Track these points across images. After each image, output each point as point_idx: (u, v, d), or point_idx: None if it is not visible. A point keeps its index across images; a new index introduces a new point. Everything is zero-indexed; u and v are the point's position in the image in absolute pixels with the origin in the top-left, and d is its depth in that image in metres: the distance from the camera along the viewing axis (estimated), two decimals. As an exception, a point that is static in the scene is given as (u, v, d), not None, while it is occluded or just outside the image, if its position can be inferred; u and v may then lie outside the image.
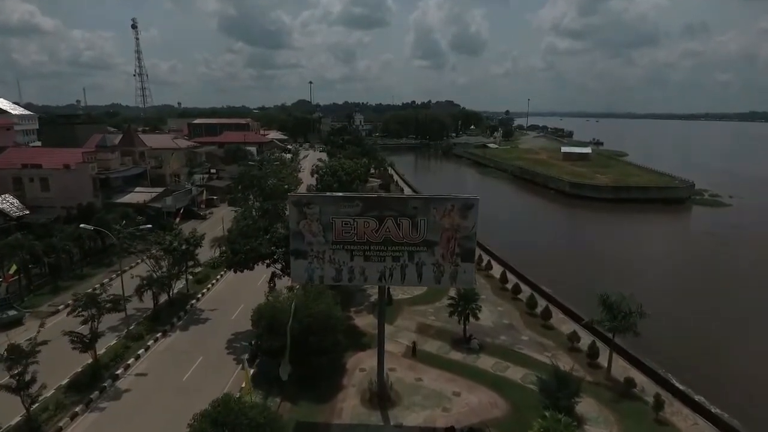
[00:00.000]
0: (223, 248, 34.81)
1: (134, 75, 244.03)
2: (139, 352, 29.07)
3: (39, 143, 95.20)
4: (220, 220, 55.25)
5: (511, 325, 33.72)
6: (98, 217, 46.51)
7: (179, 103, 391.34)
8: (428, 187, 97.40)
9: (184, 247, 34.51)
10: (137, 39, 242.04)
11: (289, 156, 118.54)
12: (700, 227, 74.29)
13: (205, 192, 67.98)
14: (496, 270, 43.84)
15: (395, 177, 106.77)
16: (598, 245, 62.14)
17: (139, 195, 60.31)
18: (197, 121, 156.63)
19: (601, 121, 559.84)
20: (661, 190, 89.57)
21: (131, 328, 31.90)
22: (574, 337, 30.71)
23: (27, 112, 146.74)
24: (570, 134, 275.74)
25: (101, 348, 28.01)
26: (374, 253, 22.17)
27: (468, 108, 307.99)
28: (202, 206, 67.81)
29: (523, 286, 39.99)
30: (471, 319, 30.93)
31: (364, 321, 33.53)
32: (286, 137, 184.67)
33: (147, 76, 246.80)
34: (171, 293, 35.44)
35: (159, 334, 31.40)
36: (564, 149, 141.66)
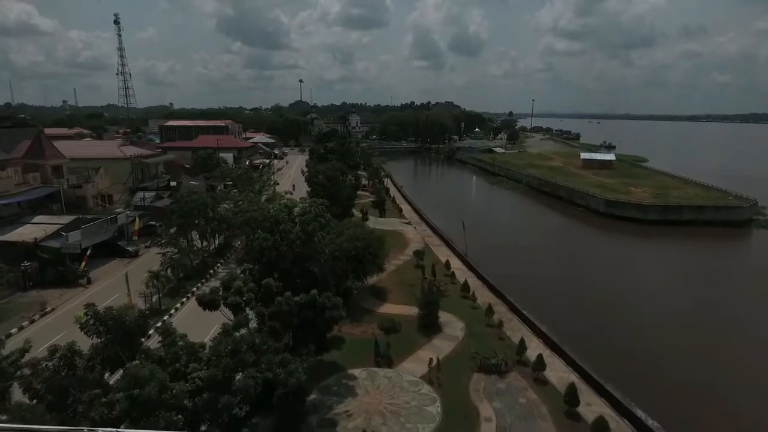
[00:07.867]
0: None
1: (117, 74, 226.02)
2: None
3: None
4: (153, 261, 39.02)
5: None
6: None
7: (171, 104, 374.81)
8: (432, 204, 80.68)
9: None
10: (120, 36, 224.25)
11: (262, 162, 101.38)
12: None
13: (138, 219, 50.80)
14: (532, 351, 27.36)
15: (392, 190, 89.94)
16: (665, 297, 45.65)
17: (35, 229, 43.60)
18: (169, 123, 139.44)
19: (602, 123, 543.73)
20: (719, 209, 72.43)
21: None
22: None
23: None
24: (577, 136, 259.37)
25: None
26: None
27: (468, 109, 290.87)
28: (135, 238, 50.92)
29: (583, 389, 23.47)
30: None
31: None
32: (273, 140, 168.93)
33: (131, 75, 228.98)
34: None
35: None
36: (583, 156, 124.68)
